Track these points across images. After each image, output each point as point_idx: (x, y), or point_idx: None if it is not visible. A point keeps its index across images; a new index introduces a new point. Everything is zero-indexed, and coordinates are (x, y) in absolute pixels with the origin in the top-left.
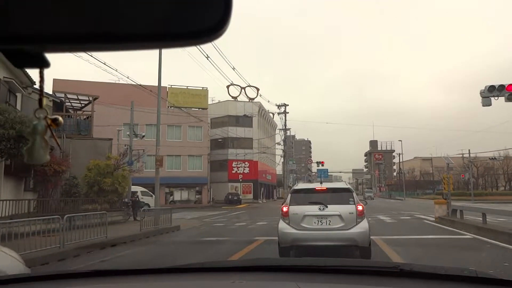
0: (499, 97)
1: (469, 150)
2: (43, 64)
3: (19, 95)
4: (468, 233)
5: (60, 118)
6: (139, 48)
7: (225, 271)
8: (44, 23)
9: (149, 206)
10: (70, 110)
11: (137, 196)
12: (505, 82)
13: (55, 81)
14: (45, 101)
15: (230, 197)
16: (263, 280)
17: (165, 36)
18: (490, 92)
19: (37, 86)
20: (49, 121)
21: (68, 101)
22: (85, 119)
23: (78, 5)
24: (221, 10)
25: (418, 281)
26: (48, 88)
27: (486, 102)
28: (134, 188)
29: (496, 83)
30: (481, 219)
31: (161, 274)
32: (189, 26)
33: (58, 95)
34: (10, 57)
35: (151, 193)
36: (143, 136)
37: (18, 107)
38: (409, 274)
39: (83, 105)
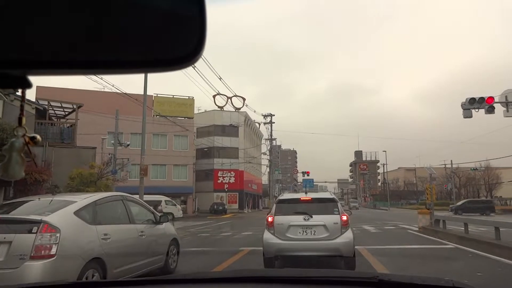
0: (480, 109)
1: (451, 160)
2: (26, 85)
3: (0, 102)
4: (450, 243)
5: (38, 137)
6: (117, 73)
7: (208, 282)
8: (28, 49)
9: (174, 216)
10: (53, 118)
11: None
12: (485, 95)
13: (39, 88)
14: (28, 108)
15: (215, 207)
16: None
17: (142, 63)
18: (471, 104)
19: (19, 93)
20: (27, 139)
21: (51, 108)
22: (68, 127)
23: (58, 33)
24: (196, 39)
25: None
26: (31, 96)
27: (467, 114)
28: (158, 197)
29: (477, 95)
30: (463, 229)
31: (143, 285)
32: (166, 54)
33: (41, 102)
34: None
35: (175, 202)
36: (128, 145)
37: (0, 114)
38: (388, 285)
39: (66, 113)
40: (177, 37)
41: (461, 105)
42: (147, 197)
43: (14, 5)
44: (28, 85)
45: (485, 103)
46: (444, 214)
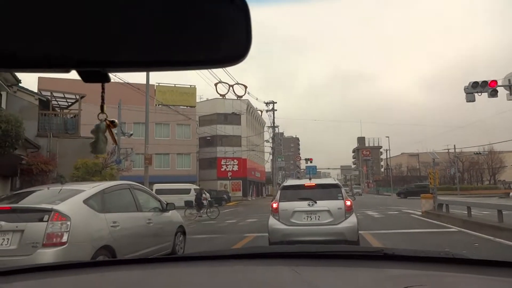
0: (483, 93)
1: (454, 145)
2: (105, 80)
3: (4, 94)
4: (453, 227)
5: (116, 121)
6: (183, 70)
7: (222, 259)
8: (108, 50)
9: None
10: (56, 109)
11: (202, 194)
12: (488, 78)
13: (40, 79)
14: (31, 99)
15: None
16: (260, 265)
17: (204, 61)
18: (474, 88)
19: (22, 84)
20: (108, 122)
21: (54, 99)
22: (72, 117)
23: (134, 39)
24: (244, 43)
25: (401, 263)
26: (33, 86)
27: (470, 98)
28: (187, 185)
29: (480, 79)
30: (466, 212)
31: (164, 263)
32: (223, 54)
33: (44, 93)
34: (81, 74)
35: (205, 191)
36: (131, 135)
37: (3, 105)
38: (392, 257)
39: (69, 103)
40: (231, 41)
41: (464, 89)
42: (176, 186)
43: (98, 13)
44: (108, 79)
45: (488, 87)
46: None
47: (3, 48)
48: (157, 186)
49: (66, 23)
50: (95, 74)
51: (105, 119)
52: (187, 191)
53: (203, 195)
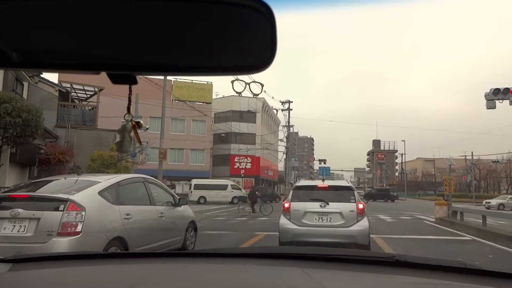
0: (504, 100)
1: (471, 152)
2: (133, 82)
3: (25, 84)
4: (467, 235)
5: (142, 122)
6: (212, 76)
7: (235, 256)
8: (142, 57)
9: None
10: (75, 100)
11: (256, 191)
12: (510, 85)
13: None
14: (51, 90)
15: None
16: (270, 265)
17: (233, 68)
18: (495, 95)
19: (43, 75)
20: (134, 123)
21: (74, 91)
22: (90, 109)
23: (163, 45)
24: (268, 51)
25: (412, 270)
26: (53, 78)
27: (491, 105)
28: (225, 181)
29: (501, 86)
30: (481, 221)
31: (175, 258)
32: (246, 61)
33: (64, 85)
34: (110, 76)
35: (239, 187)
36: (147, 129)
37: (25, 95)
38: (404, 264)
39: (88, 95)
40: (256, 49)
41: (485, 96)
42: (214, 181)
43: (131, 22)
44: (135, 81)
45: (510, 94)
46: (462, 206)
47: (41, 50)
48: (195, 181)
49: (101, 31)
50: (124, 76)
51: (131, 120)
52: (224, 187)
53: (257, 192)
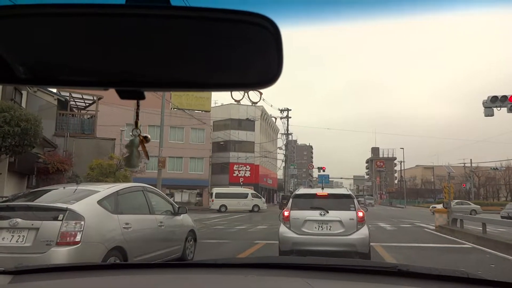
0: (502, 108)
1: (470, 159)
2: (141, 97)
3: (24, 93)
4: (467, 243)
5: (149, 136)
6: (219, 91)
7: (236, 267)
8: (148, 73)
9: (259, 208)
10: (74, 109)
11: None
12: (508, 93)
13: None
14: (50, 99)
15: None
16: (272, 276)
17: (241, 84)
18: (493, 103)
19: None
20: (141, 137)
21: (72, 100)
22: (89, 118)
23: (170, 62)
24: (275, 67)
25: (414, 280)
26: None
27: (488, 112)
28: (245, 189)
29: (499, 93)
30: (481, 229)
31: (175, 268)
32: (252, 77)
33: (63, 93)
34: (118, 92)
35: (259, 195)
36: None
37: (23, 104)
38: (406, 274)
39: (87, 104)
40: (262, 65)
41: (483, 103)
42: (235, 190)
43: (139, 40)
44: (143, 96)
45: (508, 102)
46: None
47: (49, 67)
48: (216, 190)
49: (109, 48)
50: (132, 92)
51: (139, 135)
52: (245, 196)
53: (284, 200)
